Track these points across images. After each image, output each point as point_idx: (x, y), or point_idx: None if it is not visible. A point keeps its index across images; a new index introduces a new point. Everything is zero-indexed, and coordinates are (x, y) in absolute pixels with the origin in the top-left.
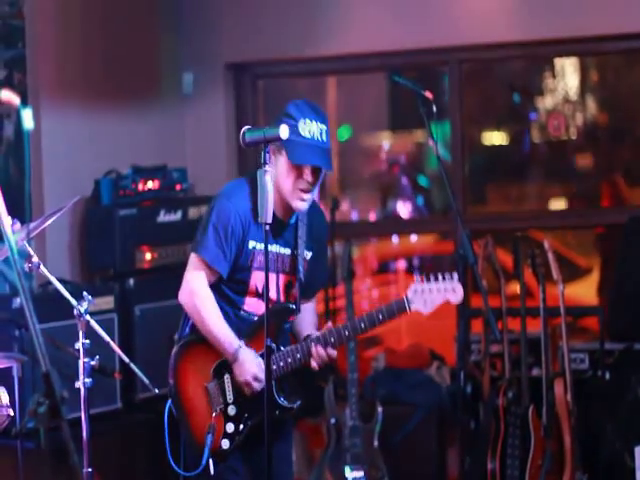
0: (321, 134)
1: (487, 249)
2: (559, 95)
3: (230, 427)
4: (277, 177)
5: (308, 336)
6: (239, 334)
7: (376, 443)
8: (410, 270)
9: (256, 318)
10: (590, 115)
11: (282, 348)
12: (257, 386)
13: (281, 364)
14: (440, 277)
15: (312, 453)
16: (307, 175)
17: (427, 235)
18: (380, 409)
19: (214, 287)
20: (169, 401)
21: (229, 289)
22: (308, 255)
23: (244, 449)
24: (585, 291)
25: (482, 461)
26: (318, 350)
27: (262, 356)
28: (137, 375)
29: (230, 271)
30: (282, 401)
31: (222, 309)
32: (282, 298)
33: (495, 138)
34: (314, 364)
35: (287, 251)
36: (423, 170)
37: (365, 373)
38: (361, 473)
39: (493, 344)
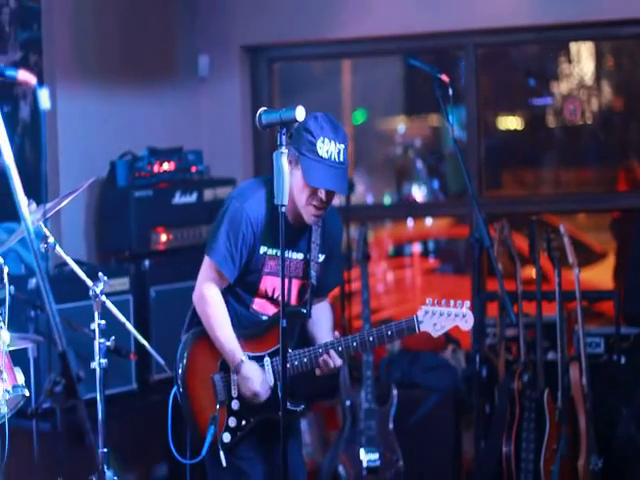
0: (339, 154)
1: (503, 233)
2: (574, 80)
3: (232, 421)
4: (292, 188)
5: (324, 344)
6: (248, 330)
7: (391, 426)
8: (425, 253)
9: (265, 317)
10: (605, 100)
11: (290, 351)
12: (258, 400)
13: (287, 366)
14: (452, 302)
15: (327, 435)
16: (321, 194)
17: (442, 218)
18: (395, 392)
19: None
20: (174, 387)
21: (240, 288)
22: (321, 258)
23: (254, 442)
24: (600, 276)
25: (497, 445)
26: (325, 359)
27: (270, 355)
28: (152, 356)
29: (240, 275)
30: (290, 405)
31: (231, 306)
32: (294, 302)
33: (510, 123)
34: (318, 372)
35: (300, 256)
36: (439, 154)
37: (380, 356)
38: (376, 455)
39: (508, 328)
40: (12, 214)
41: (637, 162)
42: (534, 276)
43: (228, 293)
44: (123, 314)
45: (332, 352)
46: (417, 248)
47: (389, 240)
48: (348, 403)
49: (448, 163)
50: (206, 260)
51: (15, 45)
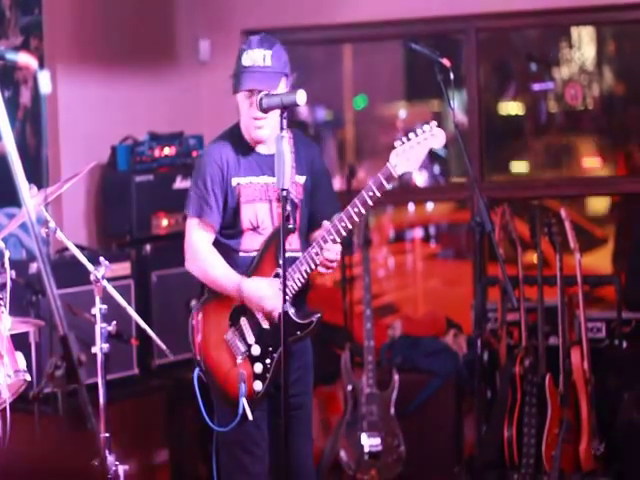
0: (264, 59)
1: (504, 217)
2: (575, 65)
3: (258, 367)
4: (241, 114)
5: (315, 242)
6: (243, 272)
7: (392, 410)
8: (426, 238)
9: (254, 254)
10: (607, 85)
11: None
12: (271, 305)
13: (290, 283)
14: (419, 130)
15: (329, 420)
16: (253, 103)
17: (443, 203)
18: (397, 377)
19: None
20: (196, 369)
21: (224, 237)
22: (301, 179)
23: (266, 421)
24: (602, 261)
25: (498, 429)
26: (320, 252)
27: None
28: (154, 341)
29: (222, 218)
30: (297, 318)
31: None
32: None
33: (511, 108)
34: (321, 268)
35: (275, 179)
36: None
37: (382, 341)
38: (377, 440)
39: (510, 312)
40: (13, 199)
41: (638, 147)
42: (535, 261)
43: (215, 248)
44: (124, 299)
45: (326, 245)
46: (418, 233)
47: (390, 225)
48: (349, 388)
49: (449, 147)
50: (187, 221)
51: (16, 30)
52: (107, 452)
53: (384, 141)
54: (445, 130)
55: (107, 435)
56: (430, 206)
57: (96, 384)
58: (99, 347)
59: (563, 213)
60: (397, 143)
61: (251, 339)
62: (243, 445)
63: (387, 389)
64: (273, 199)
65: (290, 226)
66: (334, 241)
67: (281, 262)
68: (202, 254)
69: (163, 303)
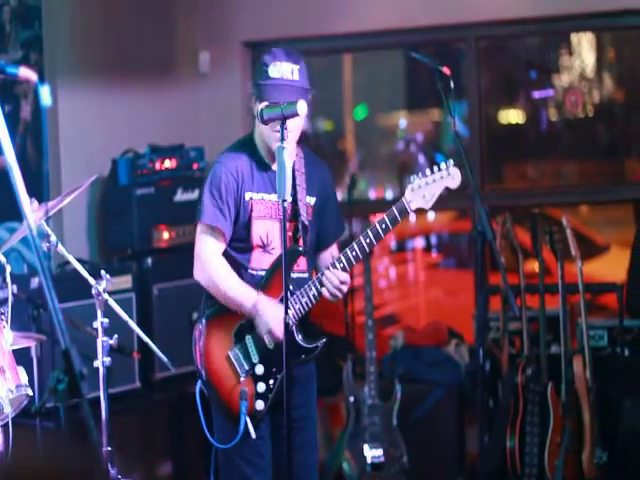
0: (292, 73)
1: (505, 226)
2: (575, 72)
3: (261, 387)
4: (257, 127)
5: (325, 269)
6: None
7: (395, 421)
8: (427, 248)
9: (264, 273)
10: (607, 92)
11: (295, 292)
12: (281, 332)
13: (297, 306)
14: (435, 168)
15: (331, 431)
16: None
17: (444, 213)
18: (399, 387)
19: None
20: (199, 382)
21: (234, 250)
22: (311, 200)
23: (270, 432)
24: (603, 268)
25: (501, 439)
26: (327, 274)
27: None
28: (156, 354)
29: (233, 230)
30: (303, 343)
31: None
32: (288, 244)
33: (512, 116)
34: (326, 293)
35: (287, 198)
36: (440, 148)
37: (384, 351)
38: (380, 451)
39: (512, 321)
40: (14, 213)
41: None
42: (537, 269)
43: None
44: (126, 312)
45: (335, 270)
46: (419, 243)
47: (391, 235)
48: (352, 399)
49: (449, 157)
50: (198, 228)
51: (16, 44)
52: (110, 466)
53: (385, 151)
54: (444, 140)
55: (110, 449)
56: (431, 215)
57: (98, 398)
58: (101, 361)
59: (564, 221)
60: (413, 177)
61: (255, 358)
62: (245, 457)
63: (389, 400)
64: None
65: (300, 249)
66: (344, 269)
67: (284, 274)
68: (213, 265)
69: (164, 316)
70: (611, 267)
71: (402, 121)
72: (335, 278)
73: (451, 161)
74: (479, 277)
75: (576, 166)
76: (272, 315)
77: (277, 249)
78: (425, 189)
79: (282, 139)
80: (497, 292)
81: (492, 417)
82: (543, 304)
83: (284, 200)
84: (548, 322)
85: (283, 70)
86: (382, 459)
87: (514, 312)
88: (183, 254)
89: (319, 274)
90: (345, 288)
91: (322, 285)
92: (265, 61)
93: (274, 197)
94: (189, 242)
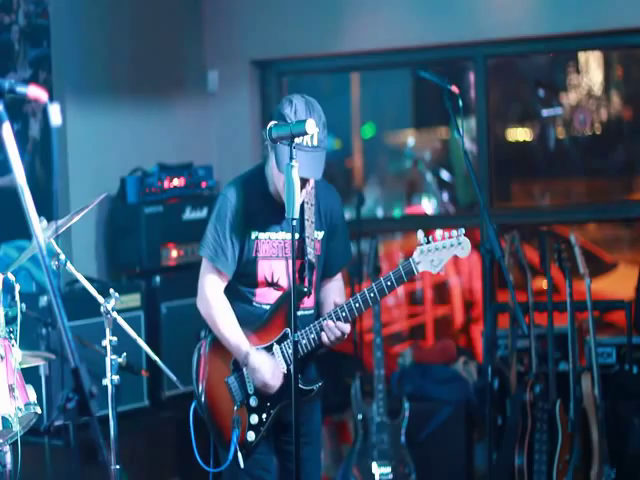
0: (312, 138)
1: (514, 244)
2: (583, 91)
3: (254, 419)
4: (271, 168)
5: (327, 314)
6: (254, 324)
7: (403, 439)
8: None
9: (268, 307)
10: (614, 110)
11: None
12: (271, 388)
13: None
14: (447, 234)
15: (339, 449)
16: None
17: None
18: (407, 405)
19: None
20: (194, 401)
21: (240, 283)
22: (319, 235)
23: (274, 446)
24: (612, 286)
25: (510, 456)
26: (328, 324)
27: (278, 342)
28: (164, 372)
29: (237, 266)
30: (301, 384)
31: (235, 305)
32: (296, 283)
33: (519, 134)
34: (325, 338)
35: (295, 235)
36: (447, 167)
37: (392, 369)
38: (388, 469)
39: (520, 339)
40: (23, 232)
41: None
42: (545, 287)
43: (230, 293)
44: (134, 330)
45: (337, 322)
46: None
47: (399, 253)
48: (360, 417)
49: (458, 175)
50: (203, 264)
51: (25, 62)
52: None
53: (392, 169)
54: (451, 159)
55: (118, 467)
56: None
57: (107, 416)
58: (110, 379)
59: (573, 238)
60: (423, 240)
61: (251, 389)
62: (250, 471)
63: (397, 418)
64: (289, 256)
65: (304, 289)
66: (345, 319)
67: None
68: (213, 305)
69: (173, 334)
70: (619, 284)
71: (410, 139)
72: (336, 329)
73: (462, 230)
74: (487, 294)
75: (584, 184)
76: (265, 369)
77: (284, 286)
78: (434, 254)
79: (291, 158)
80: (505, 310)
81: (501, 435)
82: (551, 322)
83: (293, 219)
84: (556, 340)
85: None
86: (390, 477)
87: (522, 330)
88: (191, 272)
89: (321, 319)
90: (345, 337)
91: (322, 330)
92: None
93: (281, 235)
94: (197, 260)
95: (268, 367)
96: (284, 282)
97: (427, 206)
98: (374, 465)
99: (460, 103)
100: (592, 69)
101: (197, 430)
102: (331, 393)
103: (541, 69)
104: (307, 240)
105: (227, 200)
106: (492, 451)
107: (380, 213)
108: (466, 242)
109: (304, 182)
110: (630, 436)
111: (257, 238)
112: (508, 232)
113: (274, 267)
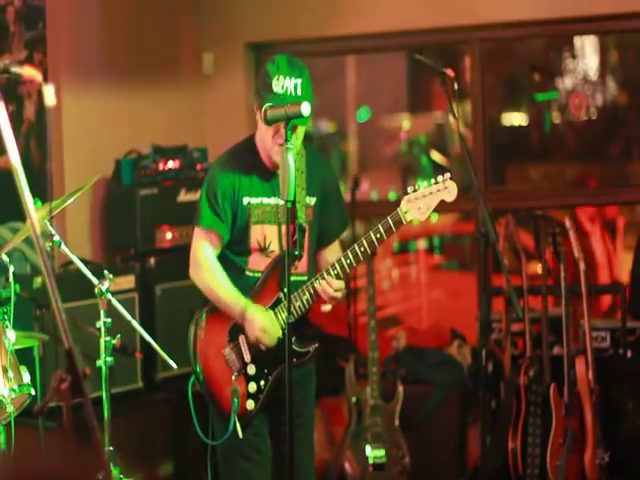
0: (295, 88)
1: (508, 228)
2: (579, 75)
3: (252, 387)
4: (258, 132)
5: (319, 274)
6: (246, 293)
7: (397, 422)
8: (430, 249)
9: (260, 275)
10: (610, 95)
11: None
12: (269, 342)
13: (291, 309)
14: (432, 180)
15: (333, 432)
16: (282, 129)
17: (447, 215)
18: (401, 388)
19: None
20: (192, 377)
21: (232, 252)
22: (312, 201)
23: (268, 429)
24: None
25: (503, 440)
26: (322, 285)
27: (272, 307)
28: (158, 354)
29: (230, 233)
30: (295, 347)
31: (228, 275)
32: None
33: (515, 118)
34: (325, 307)
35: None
36: (443, 151)
37: (386, 352)
38: (382, 452)
39: (514, 323)
40: (17, 213)
41: None
42: (540, 271)
43: (223, 264)
44: (129, 312)
45: (329, 278)
46: (422, 244)
47: (394, 237)
48: (354, 399)
49: (453, 159)
50: (195, 231)
51: (20, 44)
52: (112, 466)
53: (387, 152)
54: (447, 143)
55: (112, 448)
56: (434, 217)
57: (101, 397)
58: (104, 360)
59: (567, 223)
60: (409, 189)
61: (247, 358)
62: (242, 452)
63: (391, 401)
64: (282, 221)
65: (296, 253)
66: (338, 276)
67: (286, 279)
68: (207, 269)
69: (167, 316)
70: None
71: (405, 123)
72: (329, 287)
73: (448, 174)
74: (482, 278)
75: (579, 169)
76: (260, 322)
77: (276, 252)
78: (421, 201)
79: (287, 140)
80: (500, 294)
81: (494, 418)
82: (546, 305)
83: (289, 201)
84: (551, 323)
85: (287, 85)
86: (384, 460)
87: (517, 313)
88: (186, 254)
89: (312, 279)
90: (340, 295)
91: (316, 292)
92: (268, 72)
93: (273, 201)
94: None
95: (264, 319)
96: (276, 247)
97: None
98: (368, 448)
99: (455, 86)
100: (588, 54)
101: (194, 406)
102: (325, 376)
103: (537, 53)
104: (298, 205)
105: (218, 169)
106: (486, 434)
107: (375, 196)
108: (452, 185)
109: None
110: (623, 419)
111: (249, 203)
112: (503, 216)
113: (266, 232)
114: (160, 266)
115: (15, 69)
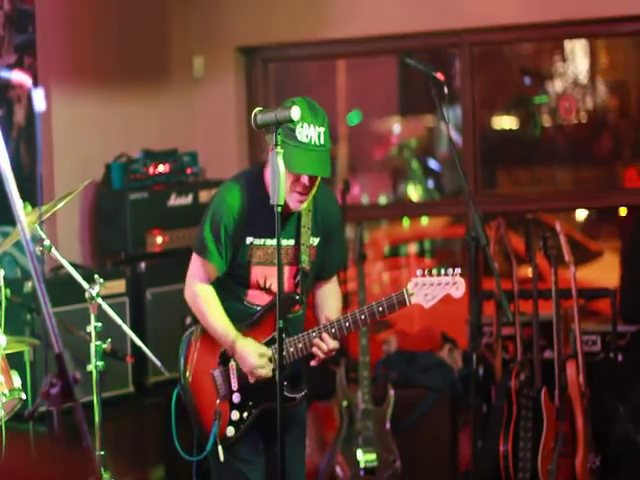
0: (319, 137)
1: (499, 231)
2: (569, 79)
3: (235, 415)
4: (268, 169)
5: (316, 328)
6: (243, 322)
7: (388, 426)
8: (421, 253)
9: (259, 308)
10: (600, 98)
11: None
12: (258, 375)
13: (284, 353)
14: (442, 271)
15: (324, 436)
16: (304, 180)
17: (438, 218)
18: (392, 392)
19: (217, 280)
20: (178, 386)
21: (232, 281)
22: (315, 241)
23: (257, 435)
24: (596, 274)
25: (494, 444)
26: (317, 342)
27: (267, 344)
28: (149, 359)
29: (230, 268)
30: (286, 392)
31: (225, 301)
32: (290, 288)
33: (505, 122)
34: (314, 354)
35: (291, 242)
36: (433, 154)
37: (377, 356)
38: (373, 456)
39: (505, 326)
40: (7, 217)
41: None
42: (530, 275)
43: (221, 289)
44: (119, 316)
45: (325, 335)
46: (413, 248)
47: (385, 240)
48: (345, 404)
49: (443, 163)
50: (194, 257)
51: (10, 48)
52: (103, 470)
53: (378, 156)
54: (437, 146)
55: (103, 453)
56: (425, 221)
57: (91, 402)
58: (94, 365)
59: (558, 226)
60: (419, 272)
61: (235, 385)
62: (238, 455)
63: (382, 405)
64: (285, 262)
65: (297, 297)
66: (334, 337)
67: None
68: (200, 293)
69: (158, 320)
70: (604, 273)
71: (396, 126)
72: (325, 346)
73: (459, 269)
74: (473, 282)
75: (569, 172)
76: (250, 361)
77: (275, 292)
78: (428, 289)
79: (277, 144)
80: (491, 297)
81: (485, 422)
82: (537, 309)
83: (279, 205)
84: (541, 327)
85: (311, 134)
86: (375, 464)
87: (507, 317)
88: (176, 258)
89: (310, 331)
90: (333, 354)
91: (312, 344)
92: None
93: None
94: (183, 246)
95: (255, 352)
96: (276, 287)
97: (413, 193)
98: (359, 452)
99: (445, 90)
100: (578, 57)
101: (181, 416)
102: (316, 380)
103: (527, 57)
104: (302, 247)
105: (225, 202)
106: (477, 438)
107: (365, 200)
108: (461, 283)
109: (312, 182)
110: (614, 423)
111: (252, 244)
112: (493, 220)
113: (267, 273)
114: (150, 270)
115: (4, 74)
